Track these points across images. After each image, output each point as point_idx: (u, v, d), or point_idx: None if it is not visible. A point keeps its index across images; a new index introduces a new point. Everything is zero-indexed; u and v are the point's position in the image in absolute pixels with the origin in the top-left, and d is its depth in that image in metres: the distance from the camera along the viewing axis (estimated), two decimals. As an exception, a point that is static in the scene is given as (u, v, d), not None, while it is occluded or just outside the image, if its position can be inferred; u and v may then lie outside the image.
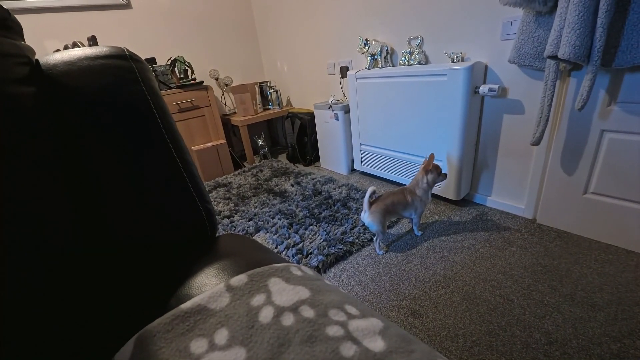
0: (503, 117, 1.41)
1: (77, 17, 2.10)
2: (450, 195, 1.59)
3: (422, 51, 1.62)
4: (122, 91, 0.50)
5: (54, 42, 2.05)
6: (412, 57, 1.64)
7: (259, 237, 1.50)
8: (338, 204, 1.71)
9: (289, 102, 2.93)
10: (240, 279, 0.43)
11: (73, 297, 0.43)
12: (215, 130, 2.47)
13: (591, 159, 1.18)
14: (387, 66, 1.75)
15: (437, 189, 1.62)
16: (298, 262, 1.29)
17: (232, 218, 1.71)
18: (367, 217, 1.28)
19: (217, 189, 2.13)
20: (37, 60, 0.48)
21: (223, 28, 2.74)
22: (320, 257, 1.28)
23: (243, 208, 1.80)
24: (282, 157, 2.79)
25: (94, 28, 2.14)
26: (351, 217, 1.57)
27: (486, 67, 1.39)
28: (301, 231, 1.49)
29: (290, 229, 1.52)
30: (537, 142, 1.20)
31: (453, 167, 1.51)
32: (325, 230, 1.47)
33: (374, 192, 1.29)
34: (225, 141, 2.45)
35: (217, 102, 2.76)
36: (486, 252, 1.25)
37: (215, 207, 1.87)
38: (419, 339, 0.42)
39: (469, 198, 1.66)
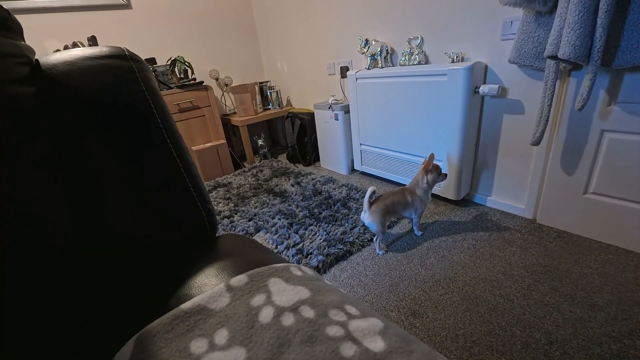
0: (503, 117, 1.41)
1: (77, 17, 2.10)
2: (450, 195, 1.59)
3: (422, 51, 1.62)
4: (122, 91, 0.50)
5: (54, 42, 2.05)
6: (412, 57, 1.64)
7: (259, 237, 1.50)
8: (338, 204, 1.71)
9: (289, 102, 2.93)
10: (240, 279, 0.43)
11: (73, 297, 0.42)
12: (215, 130, 2.47)
13: (591, 159, 1.18)
14: (387, 66, 1.75)
15: (437, 189, 1.62)
16: (298, 262, 1.29)
17: (232, 218, 1.71)
18: (367, 217, 1.28)
19: (217, 189, 2.13)
20: (37, 60, 0.48)
21: (223, 28, 2.74)
22: (320, 257, 1.28)
23: (243, 208, 1.80)
24: (282, 157, 2.79)
25: (94, 28, 2.14)
26: (351, 217, 1.57)
27: (486, 67, 1.39)
28: (301, 231, 1.49)
29: (290, 229, 1.52)
30: (537, 142, 1.20)
31: (453, 167, 1.51)
32: (325, 230, 1.47)
33: (374, 192, 1.29)
34: (225, 141, 2.45)
35: (217, 102, 2.76)
36: (486, 252, 1.25)
37: (215, 207, 1.87)
38: (419, 339, 0.42)
39: (469, 198, 1.66)
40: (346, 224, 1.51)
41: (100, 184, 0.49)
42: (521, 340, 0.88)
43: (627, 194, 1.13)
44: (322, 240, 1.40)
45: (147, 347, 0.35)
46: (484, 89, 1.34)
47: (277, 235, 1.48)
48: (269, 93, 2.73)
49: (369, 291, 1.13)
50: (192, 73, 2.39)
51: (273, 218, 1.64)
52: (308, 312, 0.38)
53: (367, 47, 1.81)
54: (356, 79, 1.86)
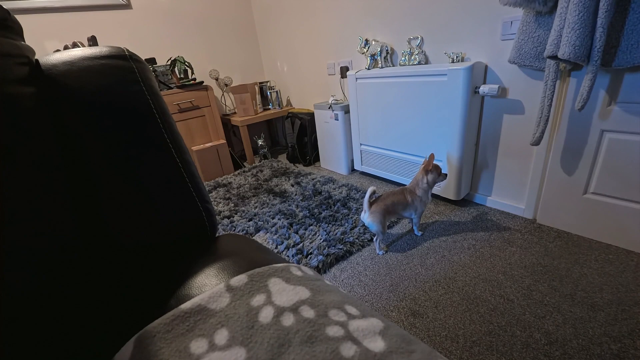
0: (503, 117, 1.41)
1: (77, 17, 2.10)
2: (450, 195, 1.59)
3: (422, 51, 1.62)
4: (122, 91, 0.50)
5: (54, 42, 2.05)
6: (412, 57, 1.64)
7: (259, 237, 1.50)
8: (338, 204, 1.71)
9: (289, 102, 2.93)
10: (240, 279, 0.43)
11: (73, 297, 0.42)
12: (215, 131, 2.47)
13: (591, 159, 1.18)
14: (387, 66, 1.75)
15: (437, 189, 1.62)
16: (298, 262, 1.29)
17: (232, 218, 1.71)
18: (367, 217, 1.28)
19: (217, 189, 2.13)
20: (37, 60, 0.48)
21: (223, 28, 2.74)
22: (320, 257, 1.28)
23: (243, 208, 1.80)
24: (282, 157, 2.79)
25: (94, 28, 2.14)
26: (351, 217, 1.57)
27: (486, 67, 1.39)
28: (301, 231, 1.49)
29: (290, 229, 1.52)
30: (537, 142, 1.20)
31: (453, 167, 1.51)
32: (325, 231, 1.47)
33: (374, 192, 1.29)
34: (225, 141, 2.45)
35: (217, 102, 2.77)
36: (486, 252, 1.25)
37: (215, 207, 1.87)
38: (419, 339, 0.42)
39: (469, 198, 1.66)
40: (346, 224, 1.51)
41: (100, 184, 0.49)
42: (521, 340, 0.88)
43: (627, 194, 1.13)
44: (322, 240, 1.40)
45: (147, 347, 0.35)
46: (484, 89, 1.34)
47: (277, 235, 1.48)
48: (268, 93, 2.73)
49: (369, 291, 1.13)
50: (192, 73, 2.39)
51: (273, 218, 1.64)
52: (308, 312, 0.38)
53: (367, 47, 1.81)
54: (356, 79, 1.86)
